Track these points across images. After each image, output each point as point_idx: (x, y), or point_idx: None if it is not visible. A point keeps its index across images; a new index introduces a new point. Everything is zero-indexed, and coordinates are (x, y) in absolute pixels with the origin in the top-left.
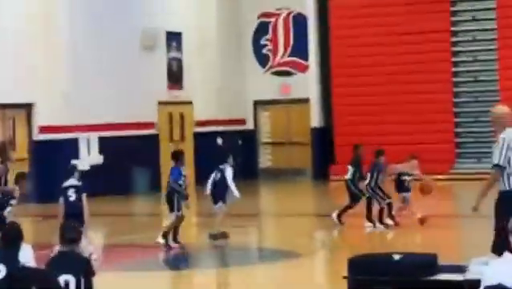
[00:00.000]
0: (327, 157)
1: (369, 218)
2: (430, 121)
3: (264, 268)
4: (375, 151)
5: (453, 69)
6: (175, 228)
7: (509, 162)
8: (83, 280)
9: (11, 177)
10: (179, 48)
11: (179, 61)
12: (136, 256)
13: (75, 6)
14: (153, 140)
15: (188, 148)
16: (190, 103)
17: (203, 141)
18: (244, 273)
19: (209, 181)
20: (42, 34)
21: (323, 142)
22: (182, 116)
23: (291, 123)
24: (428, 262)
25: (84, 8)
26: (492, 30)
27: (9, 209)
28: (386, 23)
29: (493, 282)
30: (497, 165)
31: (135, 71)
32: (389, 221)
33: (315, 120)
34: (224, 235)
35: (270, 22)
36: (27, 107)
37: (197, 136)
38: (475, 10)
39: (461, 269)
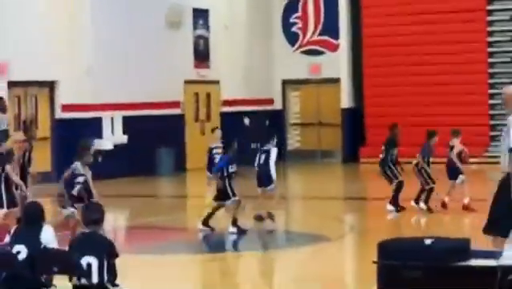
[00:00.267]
0: (357, 139)
1: (393, 202)
2: (464, 103)
3: (292, 252)
4: (427, 132)
5: (489, 49)
6: (210, 213)
7: None
8: (105, 262)
9: (35, 155)
10: (206, 26)
11: (206, 39)
12: (160, 238)
13: None
14: (179, 119)
15: None
16: (217, 82)
17: (230, 121)
18: (272, 257)
19: (256, 164)
20: (66, 11)
21: (353, 123)
22: (209, 96)
23: (321, 103)
24: (461, 247)
25: None
26: None
27: (78, 187)
28: (420, 1)
29: None
30: None
31: (160, 49)
32: (423, 206)
33: (345, 100)
34: (271, 216)
35: (300, 0)
36: (50, 85)
37: (223, 115)
38: None
39: (494, 254)
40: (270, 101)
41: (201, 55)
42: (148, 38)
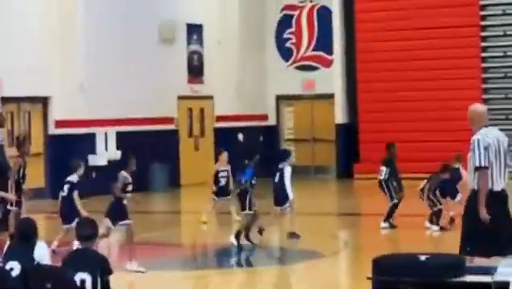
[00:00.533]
0: (351, 155)
1: (387, 220)
2: (459, 118)
3: (286, 268)
4: (442, 166)
5: (482, 65)
6: (247, 227)
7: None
8: (99, 278)
9: (28, 171)
10: (199, 41)
11: (199, 54)
12: (154, 254)
13: None
14: (172, 135)
15: (209, 144)
16: (211, 97)
17: (224, 137)
18: (265, 274)
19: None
20: (58, 27)
21: (347, 139)
22: (202, 111)
23: (315, 119)
24: (456, 264)
25: (102, 0)
26: None
27: (128, 195)
28: (412, 16)
29: None
30: (480, 167)
31: (154, 65)
32: (435, 227)
33: (340, 116)
34: (296, 235)
35: (293, 15)
36: (43, 101)
37: (217, 131)
38: None
39: (489, 270)
40: (264, 117)
41: (195, 71)
42: (142, 53)
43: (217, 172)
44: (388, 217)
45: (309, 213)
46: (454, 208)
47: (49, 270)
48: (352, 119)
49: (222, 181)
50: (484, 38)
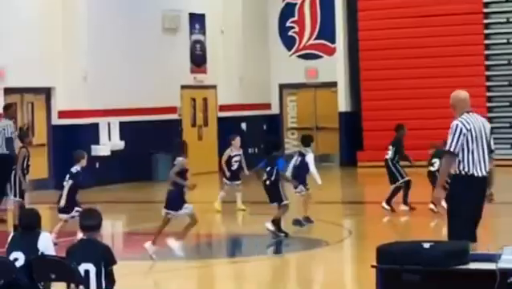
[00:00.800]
0: (354, 143)
1: (406, 202)
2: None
3: (290, 257)
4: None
5: (485, 52)
6: (278, 217)
7: (462, 149)
8: (103, 269)
9: (32, 162)
10: (202, 31)
11: (202, 44)
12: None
13: None
14: (176, 125)
15: (212, 134)
16: (214, 87)
17: (227, 126)
18: (270, 262)
19: (290, 165)
20: (62, 17)
21: (350, 127)
22: (206, 101)
23: (318, 107)
24: (460, 251)
25: None
26: None
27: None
28: (415, 4)
29: None
30: (449, 152)
31: (157, 55)
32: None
33: (343, 104)
34: (308, 220)
35: (296, 4)
36: (47, 92)
37: (220, 121)
38: None
39: (493, 258)
40: (267, 106)
41: (198, 60)
42: (145, 43)
43: (231, 157)
44: (389, 199)
45: (313, 201)
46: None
47: (53, 261)
48: (355, 107)
49: (235, 166)
50: (487, 26)
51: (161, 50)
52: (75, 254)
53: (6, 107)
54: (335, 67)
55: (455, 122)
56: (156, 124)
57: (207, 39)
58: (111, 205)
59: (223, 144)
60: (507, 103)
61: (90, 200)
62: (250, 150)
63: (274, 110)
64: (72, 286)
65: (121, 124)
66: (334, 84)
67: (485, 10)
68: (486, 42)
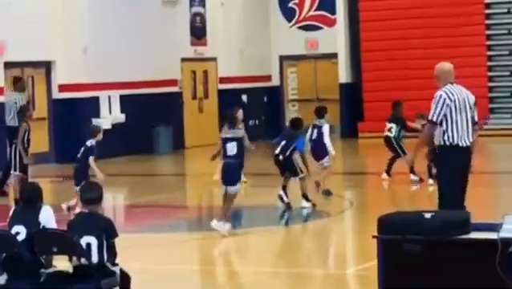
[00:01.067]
0: (355, 114)
1: (413, 171)
2: (462, 76)
3: (292, 228)
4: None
5: (486, 22)
6: (284, 187)
7: (446, 119)
8: (105, 242)
9: (33, 135)
10: (202, 3)
11: (202, 16)
12: (159, 217)
13: None
14: (176, 97)
15: (212, 106)
16: (214, 59)
17: (227, 99)
18: (272, 234)
19: (307, 138)
20: None
21: (351, 98)
22: (206, 73)
23: (318, 79)
24: (461, 221)
25: None
26: None
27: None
28: None
29: None
30: (431, 121)
31: (157, 27)
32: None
33: (343, 75)
34: (328, 192)
35: None
36: (47, 66)
37: (221, 93)
38: None
39: (494, 227)
40: (268, 78)
41: (198, 33)
42: (145, 16)
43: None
44: (412, 171)
45: (314, 172)
46: None
47: (55, 234)
48: (356, 78)
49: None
50: (488, 16)
51: (161, 23)
52: (77, 228)
53: (16, 80)
54: (335, 38)
55: (439, 92)
56: (156, 96)
57: (207, 12)
58: (112, 178)
59: (223, 116)
60: (508, 73)
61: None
62: (251, 122)
63: (275, 82)
64: (74, 259)
65: (122, 97)
66: (334, 56)
67: (486, 1)
68: (487, 32)
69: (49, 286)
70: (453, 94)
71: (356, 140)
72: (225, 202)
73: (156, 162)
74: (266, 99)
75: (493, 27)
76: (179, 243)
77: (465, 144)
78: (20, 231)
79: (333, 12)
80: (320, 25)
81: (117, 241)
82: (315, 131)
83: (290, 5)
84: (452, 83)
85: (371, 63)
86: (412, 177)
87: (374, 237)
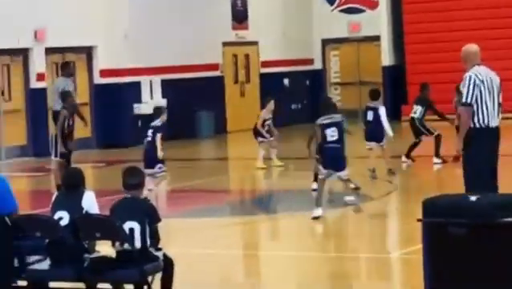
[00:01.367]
0: (398, 97)
1: (438, 154)
2: (509, 57)
3: (336, 212)
4: None
5: None
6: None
7: (476, 100)
8: (148, 227)
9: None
10: None
11: (244, 0)
12: (202, 201)
13: None
14: (218, 82)
15: (254, 90)
16: (256, 43)
17: (269, 82)
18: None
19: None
20: None
21: (394, 81)
22: (247, 57)
23: (361, 62)
24: (508, 203)
25: None
26: None
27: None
28: None
29: None
30: (466, 104)
31: (198, 12)
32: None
33: (386, 58)
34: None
35: None
36: (88, 51)
37: (263, 77)
38: None
39: None
40: (310, 61)
41: (239, 17)
42: (186, 0)
43: (264, 121)
44: (437, 153)
45: (358, 156)
46: None
47: (98, 219)
48: (399, 61)
49: (266, 128)
50: None
51: (202, 8)
52: (120, 213)
53: (64, 66)
54: (378, 20)
55: (467, 74)
56: (198, 81)
57: None
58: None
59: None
60: None
61: (132, 158)
62: (294, 106)
63: (317, 65)
64: (117, 244)
65: (163, 81)
66: (377, 38)
67: None
68: None
69: (92, 272)
70: (481, 74)
71: (400, 123)
72: (321, 188)
73: (198, 147)
74: (308, 82)
75: None
76: (221, 228)
77: (493, 125)
78: (63, 216)
79: None
80: (362, 7)
81: (160, 226)
82: (371, 113)
83: None
84: (479, 65)
85: (414, 45)
86: (435, 159)
87: (419, 220)
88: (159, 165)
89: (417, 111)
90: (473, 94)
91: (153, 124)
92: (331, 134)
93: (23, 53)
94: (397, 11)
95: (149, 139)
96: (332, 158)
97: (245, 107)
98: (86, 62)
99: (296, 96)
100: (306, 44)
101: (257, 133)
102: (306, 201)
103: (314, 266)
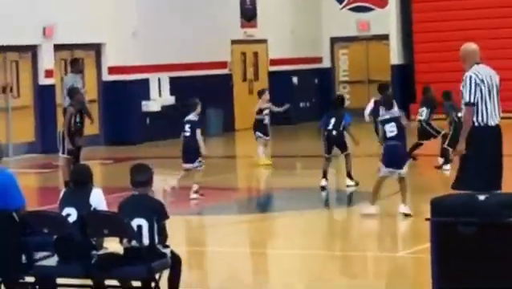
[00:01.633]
0: (407, 96)
1: (443, 154)
2: None
3: (345, 210)
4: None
5: None
6: (324, 172)
7: (477, 99)
8: (156, 224)
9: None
10: None
11: None
12: (210, 199)
13: None
14: (226, 79)
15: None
16: (265, 41)
17: (278, 80)
18: (319, 216)
19: (366, 113)
20: None
21: (403, 80)
22: (256, 55)
23: (370, 60)
24: None
25: None
26: None
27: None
28: None
29: None
30: (469, 103)
31: (207, 9)
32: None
33: (395, 57)
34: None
35: None
36: (97, 48)
37: (271, 75)
38: None
39: None
40: (319, 59)
41: (248, 14)
42: None
43: (261, 110)
44: (447, 158)
45: (366, 154)
46: None
47: (106, 216)
48: (408, 59)
49: (266, 119)
50: None
51: (211, 5)
52: (128, 210)
53: (73, 62)
54: (386, 19)
55: (467, 74)
56: (206, 78)
57: None
58: (161, 160)
59: (274, 98)
60: None
61: (140, 155)
62: (302, 104)
63: (326, 63)
64: (125, 241)
65: (171, 79)
66: (386, 37)
67: None
68: None
69: (100, 268)
70: (480, 73)
71: (408, 122)
72: (377, 188)
73: (207, 144)
74: (316, 81)
75: None
76: (229, 225)
77: (493, 124)
78: (71, 213)
79: None
80: (371, 6)
81: (168, 223)
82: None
83: None
84: (478, 64)
85: (423, 44)
86: (440, 159)
87: (427, 219)
88: (198, 159)
89: (423, 113)
90: (475, 93)
91: (189, 118)
92: (390, 129)
93: (32, 49)
94: (406, 10)
95: (187, 134)
96: (392, 156)
97: (253, 106)
98: (94, 59)
99: (304, 94)
100: (315, 42)
101: (255, 128)
102: (315, 199)
103: (322, 264)
